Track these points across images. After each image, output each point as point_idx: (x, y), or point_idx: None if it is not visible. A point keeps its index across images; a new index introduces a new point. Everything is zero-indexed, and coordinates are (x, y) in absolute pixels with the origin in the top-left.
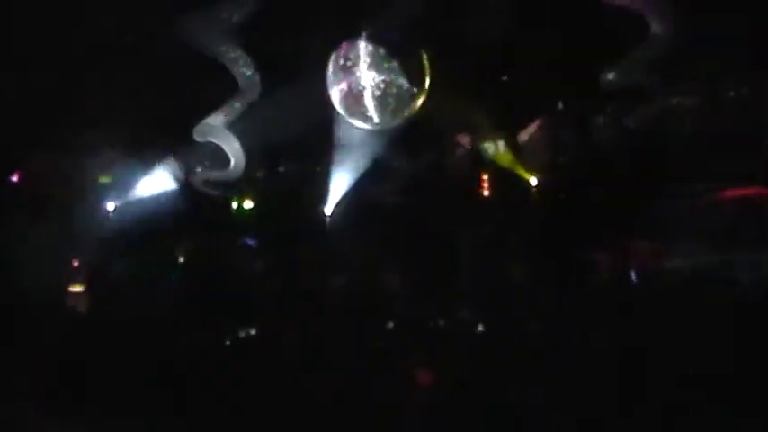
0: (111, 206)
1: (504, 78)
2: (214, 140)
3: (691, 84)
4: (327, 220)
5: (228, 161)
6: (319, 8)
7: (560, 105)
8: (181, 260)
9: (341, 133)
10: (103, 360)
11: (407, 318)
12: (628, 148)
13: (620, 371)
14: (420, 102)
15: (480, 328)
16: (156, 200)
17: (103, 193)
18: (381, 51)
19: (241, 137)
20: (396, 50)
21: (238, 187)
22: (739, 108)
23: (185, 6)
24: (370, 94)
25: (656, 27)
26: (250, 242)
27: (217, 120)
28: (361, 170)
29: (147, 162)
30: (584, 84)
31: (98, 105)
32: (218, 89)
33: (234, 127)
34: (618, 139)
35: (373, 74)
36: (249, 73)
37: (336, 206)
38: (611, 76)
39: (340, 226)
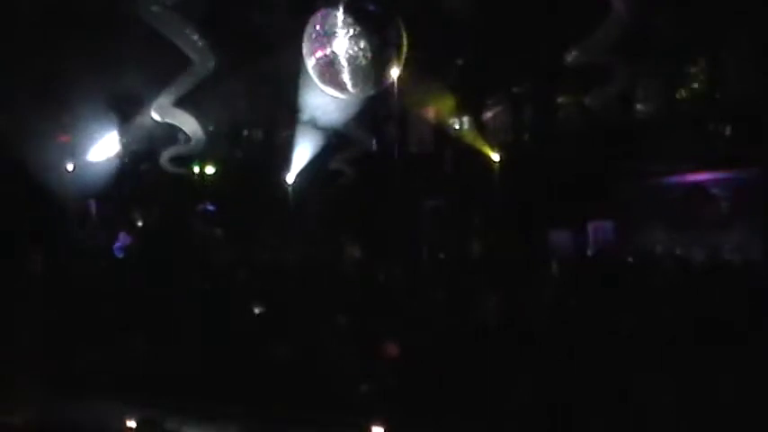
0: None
1: (470, 57)
2: (170, 118)
3: (652, 64)
4: (290, 188)
5: (187, 137)
6: None
7: (524, 84)
8: (140, 228)
9: (305, 104)
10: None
11: (368, 289)
12: (588, 128)
13: (577, 349)
14: (395, 72)
15: (437, 300)
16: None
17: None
18: (357, 21)
19: (201, 111)
20: (372, 20)
21: (198, 161)
22: (701, 89)
23: None
24: (345, 63)
25: (618, 7)
26: (210, 208)
27: (172, 96)
28: (324, 140)
29: (104, 137)
30: (548, 63)
31: (52, 84)
32: (174, 65)
33: (192, 102)
34: (579, 118)
35: (349, 42)
36: (202, 47)
37: (298, 175)
38: (574, 55)
39: (302, 195)
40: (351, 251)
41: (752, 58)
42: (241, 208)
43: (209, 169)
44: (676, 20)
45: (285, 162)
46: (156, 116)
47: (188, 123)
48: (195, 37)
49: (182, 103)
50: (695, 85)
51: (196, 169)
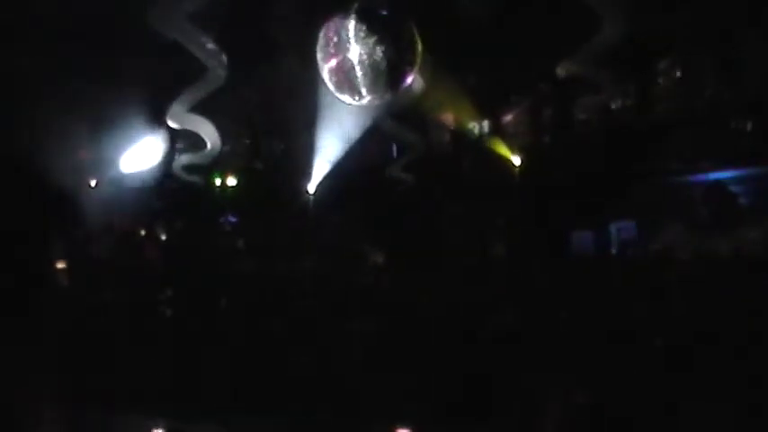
0: (89, 191)
1: (487, 59)
2: (187, 125)
3: (668, 63)
4: (311, 197)
5: (204, 144)
6: None
7: (543, 88)
8: (163, 241)
9: (323, 111)
10: (84, 339)
11: (390, 298)
12: (606, 131)
13: (601, 349)
14: (410, 77)
15: (463, 308)
16: (134, 184)
17: (81, 178)
18: (370, 26)
19: (219, 118)
20: (386, 25)
21: (216, 169)
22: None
23: None
24: (360, 69)
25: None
26: (232, 219)
27: (187, 103)
28: (345, 148)
29: (120, 148)
30: (565, 66)
31: (69, 94)
32: (189, 71)
33: (208, 108)
34: (596, 121)
35: (363, 48)
36: (218, 54)
37: (320, 184)
38: (591, 56)
39: (323, 203)
40: (373, 258)
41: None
42: (261, 217)
43: (229, 178)
44: (691, 17)
45: (303, 170)
46: (171, 123)
47: (205, 129)
48: (209, 43)
49: (197, 109)
50: (713, 83)
51: (216, 179)
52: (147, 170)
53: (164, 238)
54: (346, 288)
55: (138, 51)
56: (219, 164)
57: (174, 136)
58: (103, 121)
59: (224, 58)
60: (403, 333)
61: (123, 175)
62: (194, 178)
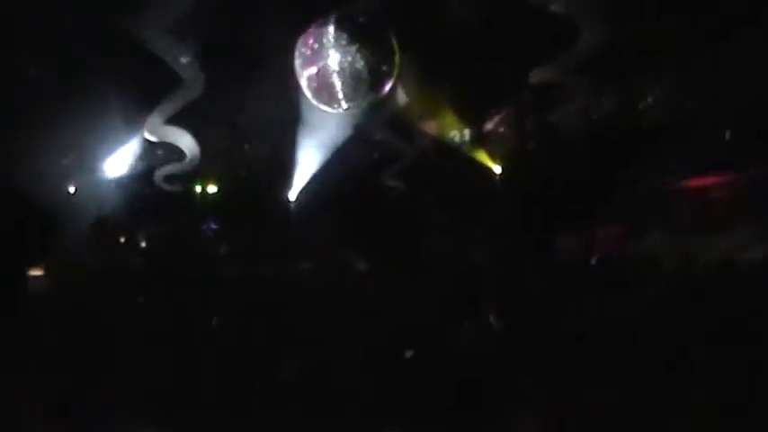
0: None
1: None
2: (165, 137)
3: (652, 70)
4: (292, 205)
5: (183, 154)
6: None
7: (525, 95)
8: (144, 248)
9: (303, 119)
10: (64, 346)
11: (374, 303)
12: (588, 138)
13: (586, 353)
14: (389, 85)
15: (446, 313)
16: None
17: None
18: (349, 34)
19: (194, 128)
20: (364, 34)
21: (196, 178)
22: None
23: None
24: (339, 77)
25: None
26: (213, 227)
27: (163, 114)
28: (325, 155)
29: (100, 157)
30: (547, 74)
31: (47, 105)
32: (166, 83)
33: (185, 119)
34: (578, 129)
35: (342, 56)
36: (193, 65)
37: (302, 191)
38: (574, 62)
39: (305, 211)
40: (355, 265)
41: (751, 61)
42: (241, 225)
43: (209, 187)
44: (676, 25)
45: (282, 178)
46: (148, 135)
47: (183, 140)
48: (185, 55)
49: (174, 120)
50: (694, 91)
51: (197, 188)
52: (126, 179)
53: (144, 245)
54: (329, 294)
55: (116, 63)
56: (200, 172)
57: (153, 147)
58: (83, 131)
59: (200, 69)
60: (386, 339)
61: (103, 183)
62: (175, 187)
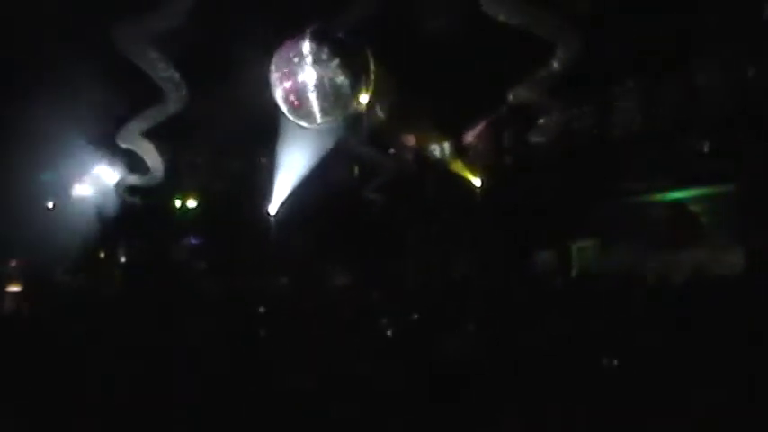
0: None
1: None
2: (134, 147)
3: (626, 84)
4: (271, 219)
5: (147, 167)
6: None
7: (503, 110)
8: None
9: (281, 133)
10: (43, 361)
11: (352, 315)
12: (566, 152)
13: (560, 364)
14: (363, 101)
15: (424, 324)
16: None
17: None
18: (325, 49)
19: (166, 143)
20: (339, 49)
21: (162, 191)
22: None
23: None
24: (313, 93)
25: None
26: (194, 241)
27: (138, 126)
28: (305, 170)
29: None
30: (526, 89)
31: (25, 111)
32: (144, 95)
33: (160, 133)
34: (557, 143)
35: (317, 71)
36: (174, 78)
37: (281, 206)
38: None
39: (284, 225)
40: (337, 279)
41: (726, 74)
42: (220, 239)
43: (188, 202)
44: (650, 38)
45: (258, 193)
46: (120, 143)
47: (150, 154)
48: (167, 69)
49: (150, 134)
50: (671, 103)
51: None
52: (100, 192)
53: (122, 259)
54: (309, 306)
55: (97, 74)
56: (178, 185)
57: (127, 159)
58: (58, 145)
59: (180, 83)
60: (364, 349)
61: (78, 198)
62: (135, 199)
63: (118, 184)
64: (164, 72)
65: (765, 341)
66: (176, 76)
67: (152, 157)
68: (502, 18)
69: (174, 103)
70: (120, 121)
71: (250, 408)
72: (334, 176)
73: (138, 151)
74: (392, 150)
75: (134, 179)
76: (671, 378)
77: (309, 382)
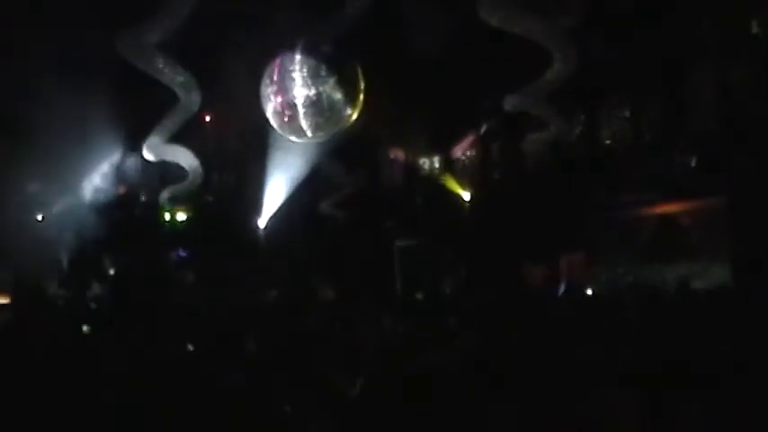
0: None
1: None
2: (165, 156)
3: (615, 97)
4: (261, 232)
5: (183, 175)
6: (254, 23)
7: (492, 124)
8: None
9: (274, 146)
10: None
11: (341, 329)
12: (555, 165)
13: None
14: (352, 115)
15: (413, 339)
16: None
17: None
18: (314, 64)
19: (194, 146)
20: (329, 64)
21: (186, 200)
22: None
23: (121, 25)
24: (302, 108)
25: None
26: (182, 254)
27: (163, 134)
28: (295, 183)
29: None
30: (514, 102)
31: (40, 126)
32: (158, 106)
33: (184, 138)
34: (545, 156)
35: (305, 87)
36: (188, 87)
37: (271, 218)
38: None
39: (275, 238)
40: (325, 293)
41: (714, 88)
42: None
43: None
44: (637, 52)
45: (256, 205)
46: (148, 156)
47: (184, 158)
48: (180, 74)
49: (174, 140)
50: (658, 117)
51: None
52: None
53: (112, 271)
54: (295, 322)
55: (108, 81)
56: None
57: (152, 167)
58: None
59: (195, 86)
60: (351, 369)
61: (81, 209)
62: (175, 206)
63: (160, 197)
64: (176, 75)
65: (753, 352)
66: (189, 79)
67: (186, 159)
68: (495, 23)
69: (189, 107)
70: (119, 129)
71: (234, 419)
72: (321, 191)
73: (168, 158)
74: (383, 165)
75: (175, 187)
76: (658, 394)
77: (297, 396)
